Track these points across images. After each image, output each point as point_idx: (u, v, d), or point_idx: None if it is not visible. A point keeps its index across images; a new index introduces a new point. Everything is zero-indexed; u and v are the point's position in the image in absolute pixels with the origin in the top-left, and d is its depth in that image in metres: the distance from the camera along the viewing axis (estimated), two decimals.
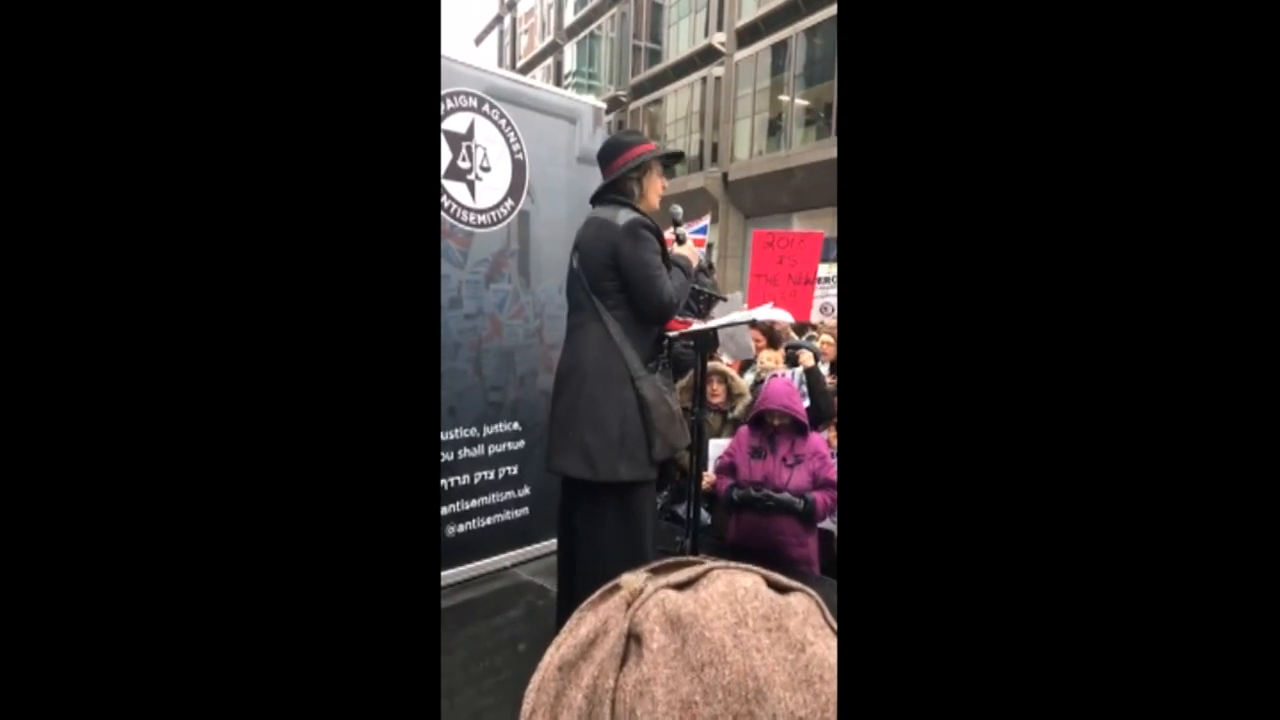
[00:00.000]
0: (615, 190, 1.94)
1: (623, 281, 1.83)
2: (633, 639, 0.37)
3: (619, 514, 1.87)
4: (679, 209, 2.09)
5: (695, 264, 1.98)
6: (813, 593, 0.41)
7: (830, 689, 0.36)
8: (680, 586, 0.40)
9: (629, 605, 0.39)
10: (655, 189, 1.96)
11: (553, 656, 0.41)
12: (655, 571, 0.44)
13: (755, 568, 0.42)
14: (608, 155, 1.95)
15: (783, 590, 0.40)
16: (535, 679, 0.40)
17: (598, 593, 0.44)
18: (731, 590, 0.38)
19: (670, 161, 2.03)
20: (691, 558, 0.43)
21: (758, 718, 0.33)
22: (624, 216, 1.84)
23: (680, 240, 2.01)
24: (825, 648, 0.37)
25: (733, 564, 0.41)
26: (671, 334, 2.18)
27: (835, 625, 0.40)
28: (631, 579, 0.42)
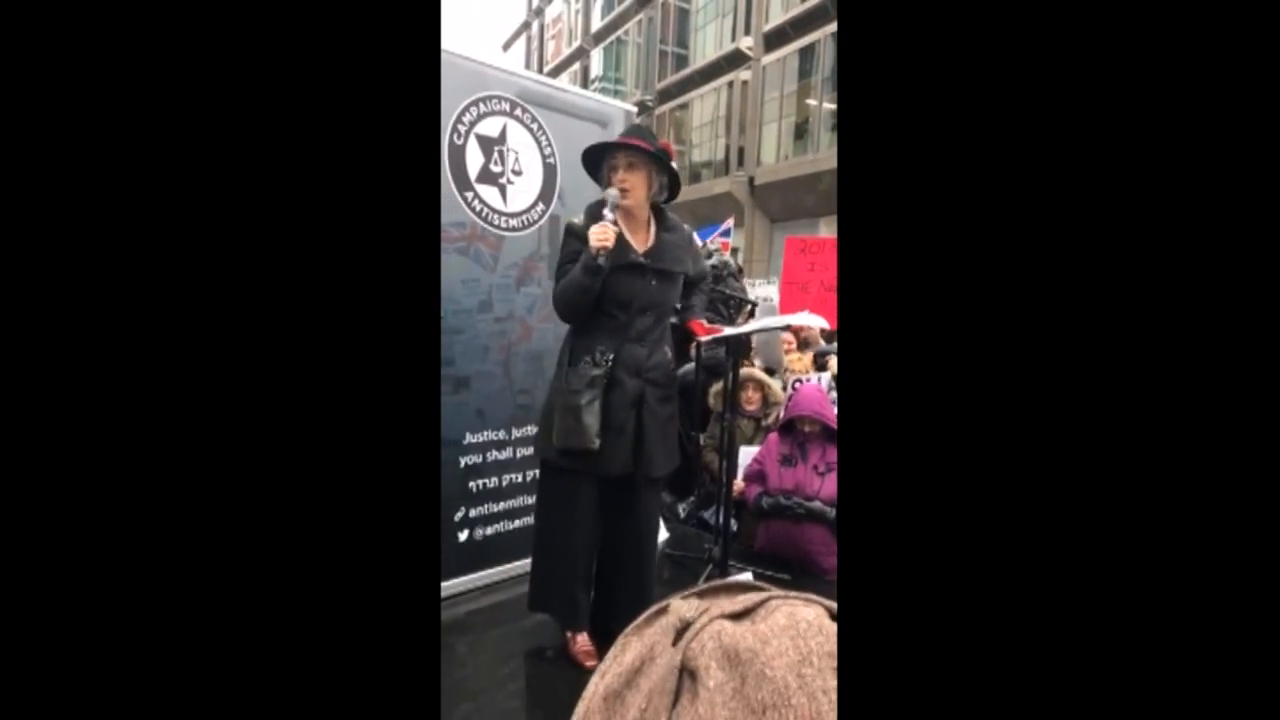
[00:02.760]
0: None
1: None
2: (686, 673, 0.35)
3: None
4: (612, 193, 1.90)
5: (595, 246, 1.79)
6: None
7: None
8: (736, 617, 0.37)
9: (678, 633, 0.37)
10: (617, 183, 1.91)
11: (597, 686, 0.39)
12: (705, 594, 0.41)
13: (816, 598, 0.39)
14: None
15: None
16: (580, 709, 0.39)
17: (642, 616, 0.42)
18: (793, 624, 0.36)
19: (615, 149, 1.92)
20: (743, 581, 0.41)
21: None
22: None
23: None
24: None
25: (792, 594, 0.39)
26: (701, 339, 2.16)
27: None
28: (680, 604, 0.40)
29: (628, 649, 0.40)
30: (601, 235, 1.79)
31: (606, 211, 1.85)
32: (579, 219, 1.94)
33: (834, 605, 0.39)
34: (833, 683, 0.33)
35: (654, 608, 0.41)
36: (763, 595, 0.39)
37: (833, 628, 0.36)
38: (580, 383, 1.87)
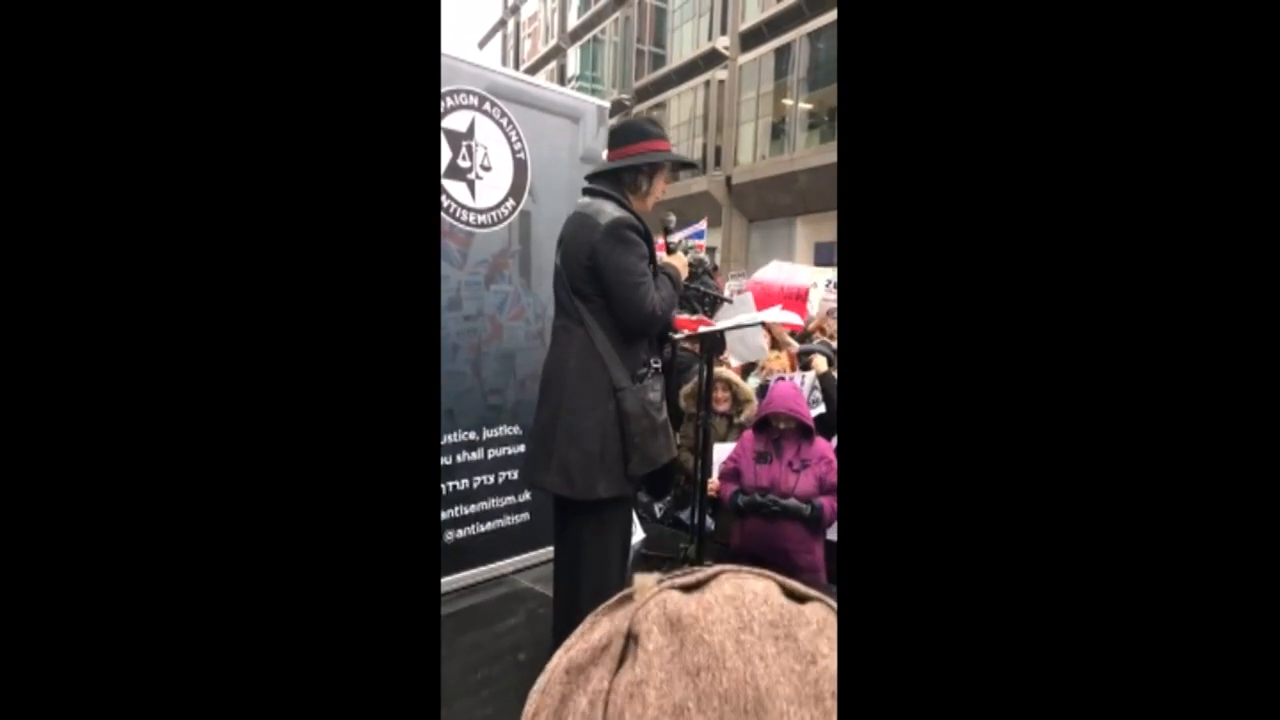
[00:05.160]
0: (616, 179, 1.77)
1: (602, 287, 1.67)
2: (631, 639, 0.35)
3: (593, 530, 1.78)
4: (672, 217, 1.99)
5: (685, 274, 1.88)
6: (832, 604, 0.38)
7: None
8: (687, 589, 0.38)
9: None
10: (658, 193, 1.82)
11: (560, 659, 0.38)
12: (670, 575, 0.41)
13: (771, 574, 0.39)
14: (625, 137, 1.77)
15: (800, 599, 0.37)
16: (541, 681, 0.38)
17: (614, 598, 0.41)
18: (739, 594, 0.36)
19: (682, 169, 1.94)
20: (711, 566, 0.41)
21: None
22: (608, 215, 1.66)
23: (671, 250, 1.90)
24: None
25: (746, 569, 0.39)
26: (676, 335, 2.14)
27: None
28: (645, 580, 0.39)
29: (596, 628, 0.40)
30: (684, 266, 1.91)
31: (676, 237, 1.95)
32: (619, 212, 1.70)
33: (789, 581, 0.39)
34: (771, 650, 0.34)
35: (624, 591, 0.41)
36: (717, 569, 0.39)
37: (781, 600, 0.37)
38: (658, 397, 1.78)
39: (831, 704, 0.33)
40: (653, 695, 0.32)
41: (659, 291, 1.69)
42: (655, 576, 0.39)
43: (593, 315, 1.71)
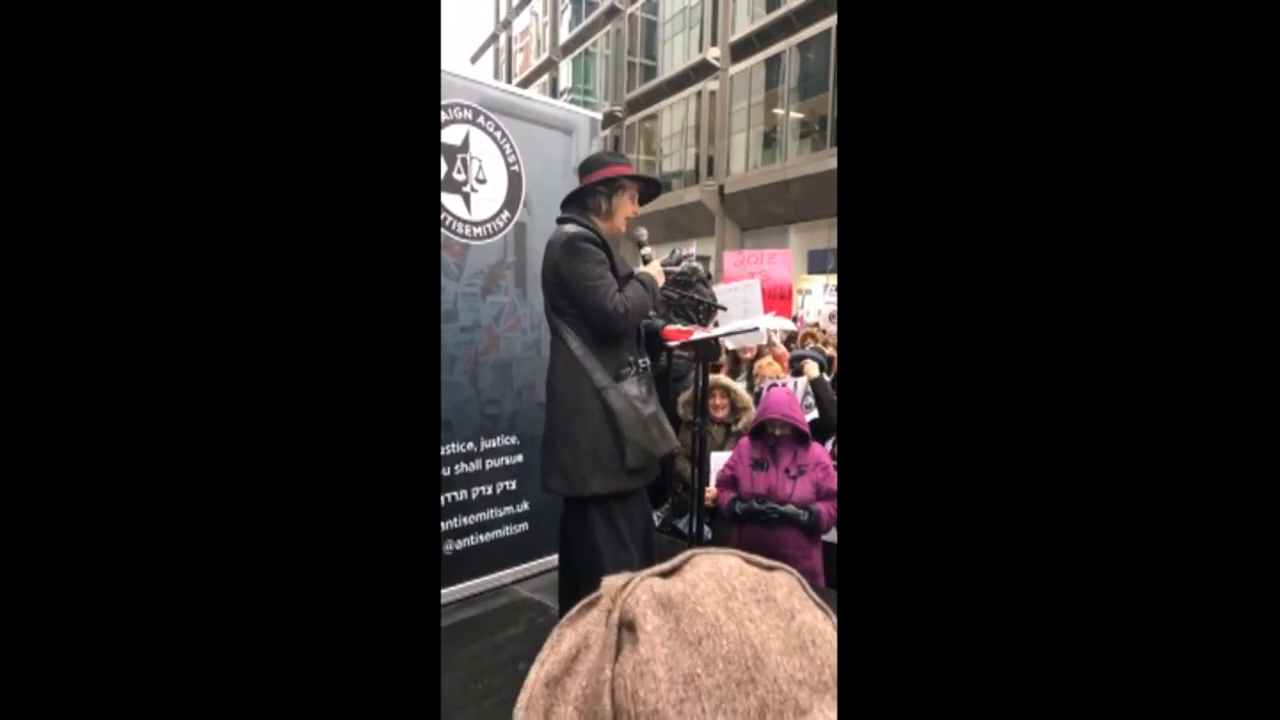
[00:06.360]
0: (579, 204, 1.96)
1: (570, 297, 1.84)
2: (624, 627, 0.38)
3: (602, 526, 1.87)
4: (643, 231, 2.09)
5: (660, 283, 1.98)
6: (792, 570, 0.42)
7: (822, 654, 0.37)
8: (665, 575, 0.41)
9: (609, 612, 0.40)
10: (624, 211, 1.97)
11: (538, 674, 0.41)
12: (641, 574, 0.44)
13: (736, 551, 0.43)
14: (584, 169, 2.00)
15: (767, 569, 0.41)
16: (523, 698, 0.40)
17: (576, 607, 0.44)
18: (716, 570, 0.40)
19: (646, 188, 2.03)
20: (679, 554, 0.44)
21: (759, 683, 0.34)
22: (567, 234, 1.85)
23: (646, 261, 2.02)
24: (812, 616, 0.39)
25: (715, 549, 0.43)
26: (671, 343, 2.16)
27: (817, 599, 0.41)
28: (611, 580, 0.42)
29: (564, 639, 0.42)
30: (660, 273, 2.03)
31: (650, 250, 2.03)
32: (576, 229, 1.86)
33: (751, 555, 0.43)
34: (757, 612, 0.37)
35: (586, 599, 0.44)
36: (688, 554, 0.43)
37: (753, 570, 0.41)
38: (644, 391, 1.88)
39: (814, 651, 0.37)
40: (661, 670, 0.35)
41: (624, 293, 1.83)
42: (623, 575, 0.42)
43: (568, 326, 1.87)
